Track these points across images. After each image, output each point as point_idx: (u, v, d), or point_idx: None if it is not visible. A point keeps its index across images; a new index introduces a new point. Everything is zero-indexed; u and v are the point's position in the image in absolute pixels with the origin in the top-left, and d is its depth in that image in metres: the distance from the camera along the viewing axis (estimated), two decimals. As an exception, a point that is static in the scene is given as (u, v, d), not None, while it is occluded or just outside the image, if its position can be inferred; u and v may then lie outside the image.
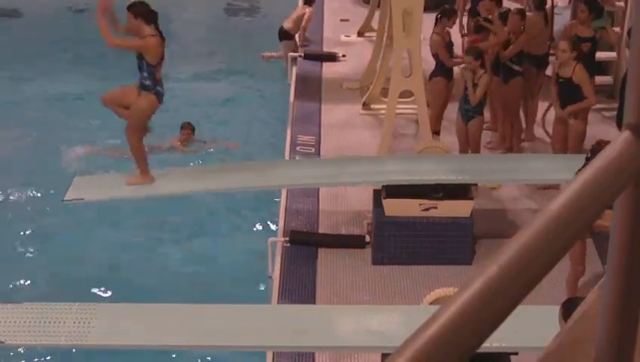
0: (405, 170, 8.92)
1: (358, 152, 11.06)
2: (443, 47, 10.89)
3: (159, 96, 8.58)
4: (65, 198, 8.93)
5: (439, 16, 11.04)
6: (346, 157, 10.44)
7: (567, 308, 5.42)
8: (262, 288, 9.04)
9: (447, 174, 8.73)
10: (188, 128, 12.68)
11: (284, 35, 15.27)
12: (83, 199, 8.95)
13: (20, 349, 8.43)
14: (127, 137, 8.81)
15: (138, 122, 8.71)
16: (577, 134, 9.42)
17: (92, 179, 9.64)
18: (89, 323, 6.68)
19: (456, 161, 9.46)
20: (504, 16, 10.76)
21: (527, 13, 10.96)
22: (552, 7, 12.34)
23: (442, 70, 10.96)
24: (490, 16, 11.14)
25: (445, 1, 13.24)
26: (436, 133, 11.06)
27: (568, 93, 9.32)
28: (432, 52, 11.04)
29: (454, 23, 11.26)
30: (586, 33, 10.49)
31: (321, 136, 11.74)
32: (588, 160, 7.09)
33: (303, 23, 15.16)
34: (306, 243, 9.17)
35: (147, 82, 8.46)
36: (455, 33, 11.80)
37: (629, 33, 10.39)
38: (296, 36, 15.33)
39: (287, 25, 15.26)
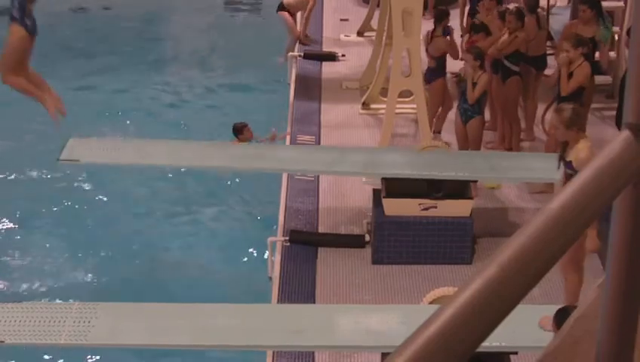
0: (405, 164, 8.89)
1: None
2: (449, 45, 10.91)
3: (29, 29, 7.82)
4: (60, 158, 8.71)
5: (437, 19, 11.03)
6: (347, 148, 10.45)
7: (561, 319, 5.39)
8: (262, 288, 9.04)
9: (446, 170, 8.72)
10: (248, 125, 12.41)
11: (281, 8, 15.22)
12: (78, 161, 8.77)
13: (19, 349, 8.44)
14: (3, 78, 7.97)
15: (8, 59, 7.89)
16: None
17: (88, 142, 9.35)
18: (89, 322, 6.67)
19: (456, 157, 9.46)
20: (503, 15, 10.76)
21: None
22: (548, 8, 12.34)
23: (442, 71, 10.97)
24: (487, 17, 11.16)
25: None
26: (438, 132, 11.13)
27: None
28: (435, 54, 10.94)
29: (448, 22, 11.23)
30: (587, 33, 10.47)
31: (320, 136, 11.75)
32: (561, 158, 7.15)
33: (305, 13, 15.17)
34: (305, 243, 9.16)
35: (15, 13, 7.78)
36: (455, 33, 11.79)
37: (628, 33, 10.38)
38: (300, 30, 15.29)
39: (287, 0, 15.18)
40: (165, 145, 9.45)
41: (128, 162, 9.10)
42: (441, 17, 11.04)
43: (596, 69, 10.66)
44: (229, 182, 12.15)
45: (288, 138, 11.59)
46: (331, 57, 14.50)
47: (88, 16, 19.60)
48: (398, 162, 8.94)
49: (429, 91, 10.93)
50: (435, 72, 10.99)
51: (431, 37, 11.02)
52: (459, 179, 8.68)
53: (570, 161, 7.08)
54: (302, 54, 14.56)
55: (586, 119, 7.28)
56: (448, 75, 11.44)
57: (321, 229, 9.48)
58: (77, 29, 18.62)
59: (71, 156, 8.74)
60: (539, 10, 11.58)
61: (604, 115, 11.70)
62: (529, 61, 10.82)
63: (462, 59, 10.77)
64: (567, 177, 7.14)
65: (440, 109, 11.23)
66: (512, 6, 11.81)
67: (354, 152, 9.40)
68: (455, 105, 10.40)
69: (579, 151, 7.03)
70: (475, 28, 11.26)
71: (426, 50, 11.04)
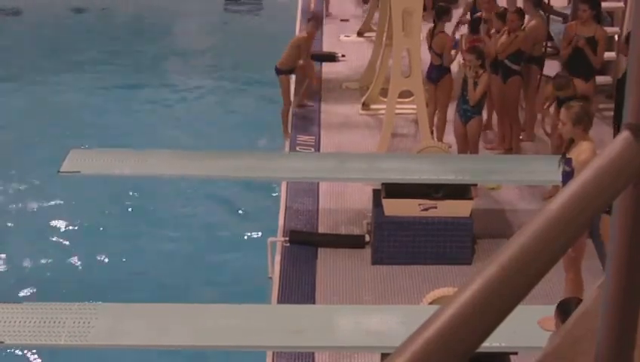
0: (405, 169, 8.92)
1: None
2: (450, 44, 10.85)
3: None
4: (61, 170, 8.74)
5: (439, 15, 10.96)
6: (346, 153, 10.45)
7: (563, 310, 5.39)
8: (262, 288, 9.05)
9: (446, 174, 8.73)
10: None
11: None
12: (79, 172, 8.79)
13: (20, 349, 8.44)
14: None
15: None
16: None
17: (89, 153, 9.40)
18: (89, 323, 6.67)
19: (456, 161, 9.46)
20: (502, 16, 10.74)
21: (531, 23, 10.91)
22: (549, 6, 12.31)
23: (448, 67, 10.88)
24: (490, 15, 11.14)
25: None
26: (440, 140, 11.08)
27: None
28: (439, 51, 10.86)
29: (449, 19, 11.19)
30: (586, 32, 10.47)
31: (320, 136, 11.75)
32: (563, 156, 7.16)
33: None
34: (305, 243, 9.16)
35: None
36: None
37: (627, 39, 10.37)
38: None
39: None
40: (166, 155, 9.45)
41: (129, 173, 9.13)
42: (442, 14, 10.98)
43: (595, 69, 10.68)
44: (229, 182, 12.16)
45: (288, 141, 11.59)
46: (331, 58, 14.51)
47: (87, 17, 19.60)
48: (398, 168, 8.94)
49: (439, 89, 10.84)
50: (442, 68, 10.90)
51: (432, 34, 10.92)
52: (459, 183, 8.69)
53: (570, 159, 7.07)
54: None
55: (592, 120, 7.27)
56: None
57: (320, 230, 9.48)
58: (75, 30, 18.61)
59: (71, 168, 8.75)
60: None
61: (604, 115, 11.70)
62: (533, 60, 10.79)
63: (463, 59, 10.76)
64: (563, 175, 7.13)
65: (436, 118, 11.10)
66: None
67: (354, 159, 9.40)
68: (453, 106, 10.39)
69: (581, 152, 7.02)
70: (474, 23, 11.21)
71: (429, 47, 10.93)
